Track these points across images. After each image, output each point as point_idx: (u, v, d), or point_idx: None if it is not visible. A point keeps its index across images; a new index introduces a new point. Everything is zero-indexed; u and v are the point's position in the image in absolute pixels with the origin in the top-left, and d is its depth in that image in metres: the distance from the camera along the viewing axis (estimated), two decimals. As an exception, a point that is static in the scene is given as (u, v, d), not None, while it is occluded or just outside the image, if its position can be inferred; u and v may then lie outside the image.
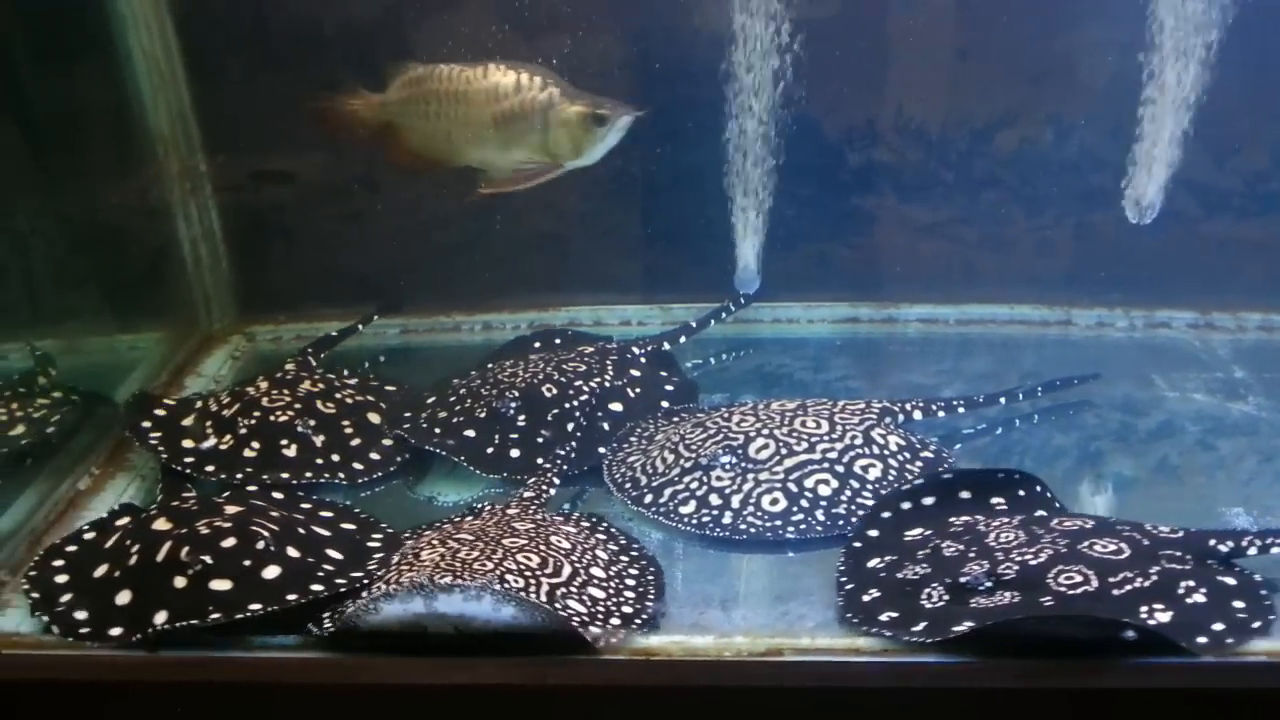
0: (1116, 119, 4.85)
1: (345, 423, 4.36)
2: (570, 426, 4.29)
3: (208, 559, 3.35)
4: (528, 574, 3.33)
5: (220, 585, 3.31)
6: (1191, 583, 3.27)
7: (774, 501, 3.85)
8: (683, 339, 5.10)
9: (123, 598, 3.37)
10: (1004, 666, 3.11)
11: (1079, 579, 3.22)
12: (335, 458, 4.21)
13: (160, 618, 3.25)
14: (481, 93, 4.22)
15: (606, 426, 4.36)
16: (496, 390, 4.38)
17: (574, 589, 3.36)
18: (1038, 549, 3.34)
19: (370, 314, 5.37)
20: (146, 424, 4.35)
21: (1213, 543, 3.44)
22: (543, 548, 3.49)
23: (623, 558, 3.63)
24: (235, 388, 4.62)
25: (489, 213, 4.92)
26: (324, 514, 3.86)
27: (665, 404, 4.55)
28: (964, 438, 4.48)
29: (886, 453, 4.06)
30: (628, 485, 4.03)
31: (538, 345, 5.02)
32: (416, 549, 3.53)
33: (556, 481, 4.06)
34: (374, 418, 4.45)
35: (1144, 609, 3.15)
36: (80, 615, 3.36)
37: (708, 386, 4.80)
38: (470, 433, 4.27)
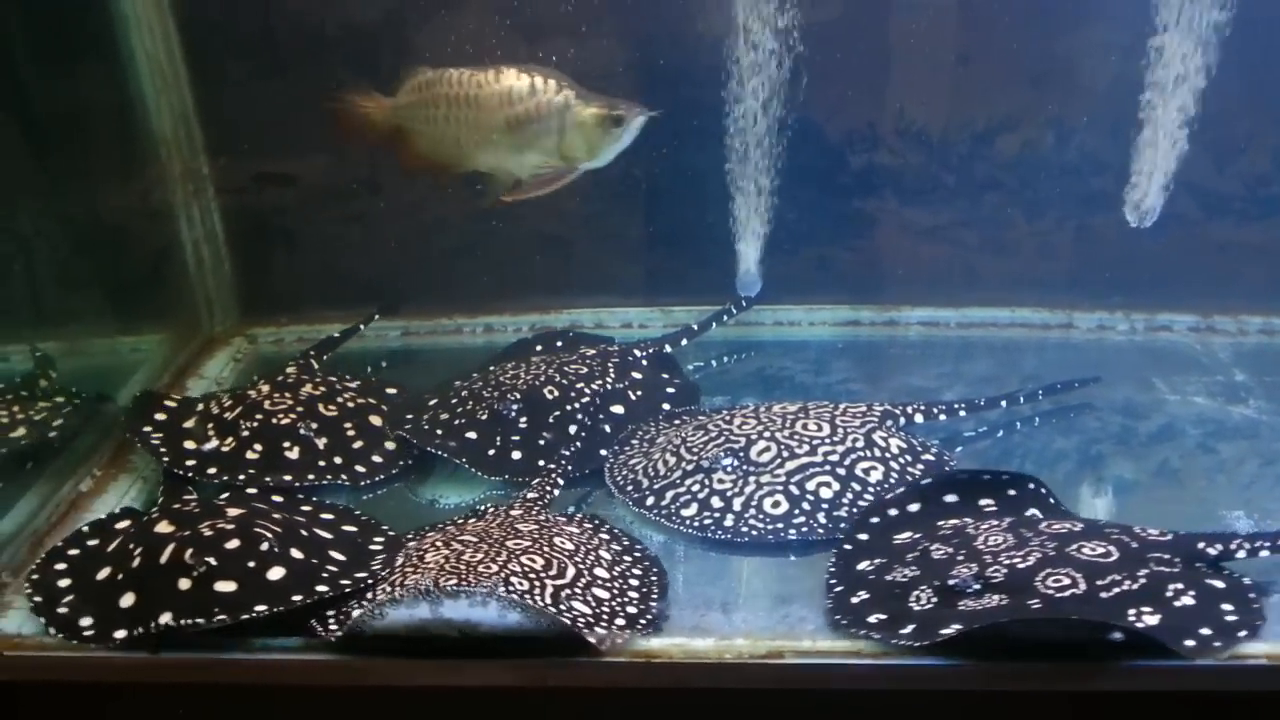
0: (1117, 122, 4.85)
1: (347, 425, 4.36)
2: (572, 429, 4.30)
3: (212, 561, 3.35)
4: (532, 576, 3.34)
5: (225, 587, 3.31)
6: (1180, 585, 3.27)
7: (775, 504, 3.85)
8: (684, 341, 5.11)
9: (126, 600, 3.37)
10: (1006, 670, 3.11)
11: (1067, 582, 3.23)
12: (337, 460, 4.22)
13: (165, 620, 3.25)
14: (494, 96, 4.22)
15: (608, 429, 4.37)
16: (498, 392, 4.39)
17: (578, 590, 3.37)
18: (1026, 552, 3.34)
19: (371, 314, 5.38)
20: (148, 426, 4.35)
21: (1201, 546, 3.44)
22: (546, 549, 3.49)
23: (626, 558, 3.64)
24: (237, 390, 4.63)
25: (490, 215, 4.93)
26: (325, 516, 3.86)
27: (667, 406, 4.55)
28: (965, 441, 4.48)
29: (888, 455, 4.06)
30: (629, 488, 4.04)
31: (539, 348, 5.02)
32: (420, 550, 3.54)
33: (561, 482, 4.07)
34: (376, 420, 4.45)
35: (1132, 612, 3.15)
36: (85, 621, 3.36)
37: (709, 389, 4.80)
38: (472, 435, 4.27)
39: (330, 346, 5.14)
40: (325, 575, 3.44)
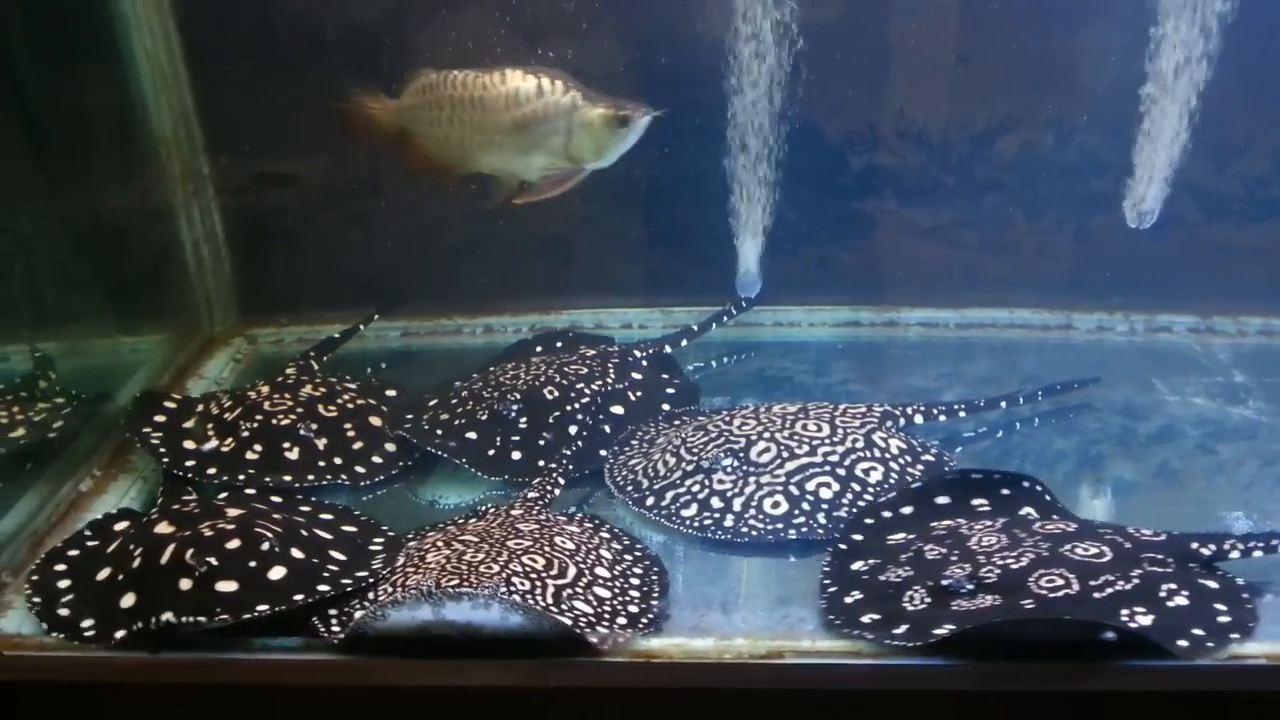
0: (1117, 123, 4.85)
1: (347, 426, 4.36)
2: (572, 429, 4.30)
3: (213, 561, 3.35)
4: (533, 576, 3.34)
5: (226, 587, 3.31)
6: (1173, 586, 3.28)
7: (775, 504, 3.85)
8: (684, 342, 5.11)
9: (127, 601, 3.37)
10: (1006, 670, 3.12)
11: (1060, 582, 3.23)
12: (337, 460, 4.22)
13: (167, 617, 3.24)
14: (499, 98, 4.22)
15: (608, 429, 4.37)
16: (498, 392, 4.39)
17: (579, 589, 3.37)
18: (1019, 552, 3.35)
19: (371, 315, 5.38)
20: (148, 427, 4.35)
21: (1195, 546, 3.45)
22: (547, 549, 3.49)
23: (627, 557, 3.64)
24: (237, 390, 4.63)
25: (490, 215, 4.93)
26: (325, 517, 3.86)
27: (666, 407, 4.55)
28: (965, 441, 4.48)
29: (887, 456, 4.06)
30: (629, 488, 4.04)
31: (539, 348, 5.03)
32: (421, 550, 3.54)
33: (561, 482, 4.07)
34: (376, 421, 4.46)
35: (1125, 612, 3.16)
36: (85, 621, 3.36)
37: (709, 389, 4.81)
38: (472, 435, 4.28)
39: (330, 347, 5.14)
40: (326, 575, 3.44)
